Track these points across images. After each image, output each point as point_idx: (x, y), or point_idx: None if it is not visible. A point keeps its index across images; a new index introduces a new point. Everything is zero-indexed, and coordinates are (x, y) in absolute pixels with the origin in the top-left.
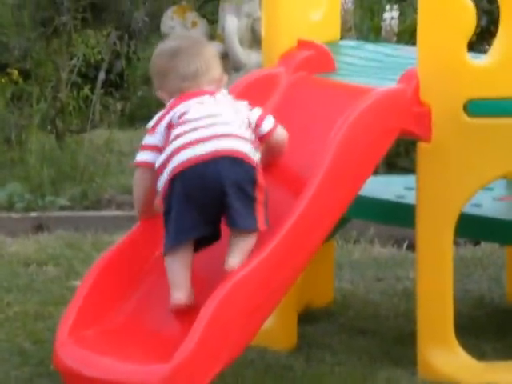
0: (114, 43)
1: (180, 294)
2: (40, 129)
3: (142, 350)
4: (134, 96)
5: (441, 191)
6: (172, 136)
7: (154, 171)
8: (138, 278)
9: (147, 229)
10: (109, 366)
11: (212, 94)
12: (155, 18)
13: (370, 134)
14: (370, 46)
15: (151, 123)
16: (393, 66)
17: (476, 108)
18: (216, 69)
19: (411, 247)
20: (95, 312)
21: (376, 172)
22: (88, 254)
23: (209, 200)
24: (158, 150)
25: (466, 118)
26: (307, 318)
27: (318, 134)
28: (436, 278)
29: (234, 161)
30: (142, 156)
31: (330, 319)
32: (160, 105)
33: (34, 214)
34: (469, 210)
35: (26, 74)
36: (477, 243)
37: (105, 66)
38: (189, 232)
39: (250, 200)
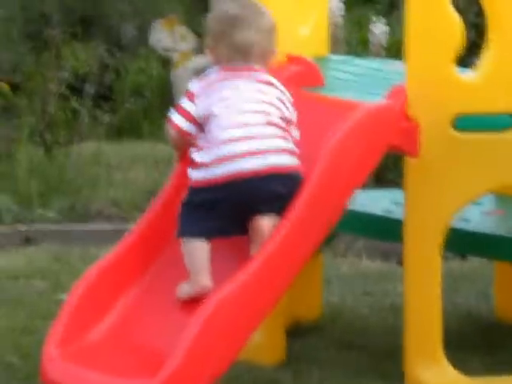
0: (103, 56)
1: (206, 280)
2: (28, 141)
3: (130, 364)
4: (122, 108)
5: (429, 206)
6: (214, 122)
7: (189, 138)
8: (125, 291)
9: (135, 242)
10: (96, 381)
11: (258, 76)
12: (144, 30)
13: (359, 149)
14: (359, 61)
15: (194, 87)
16: (381, 80)
17: (464, 123)
18: (269, 43)
19: (399, 261)
20: (82, 326)
21: (364, 186)
22: (75, 268)
23: (248, 210)
24: (195, 121)
25: (453, 133)
26: (295, 332)
27: (307, 148)
28: (424, 292)
29: (280, 178)
30: (180, 121)
31: (317, 333)
32: (148, 117)
33: (21, 227)
34: (457, 224)
35: (14, 87)
36: (465, 257)
37: (93, 78)
38: (215, 232)
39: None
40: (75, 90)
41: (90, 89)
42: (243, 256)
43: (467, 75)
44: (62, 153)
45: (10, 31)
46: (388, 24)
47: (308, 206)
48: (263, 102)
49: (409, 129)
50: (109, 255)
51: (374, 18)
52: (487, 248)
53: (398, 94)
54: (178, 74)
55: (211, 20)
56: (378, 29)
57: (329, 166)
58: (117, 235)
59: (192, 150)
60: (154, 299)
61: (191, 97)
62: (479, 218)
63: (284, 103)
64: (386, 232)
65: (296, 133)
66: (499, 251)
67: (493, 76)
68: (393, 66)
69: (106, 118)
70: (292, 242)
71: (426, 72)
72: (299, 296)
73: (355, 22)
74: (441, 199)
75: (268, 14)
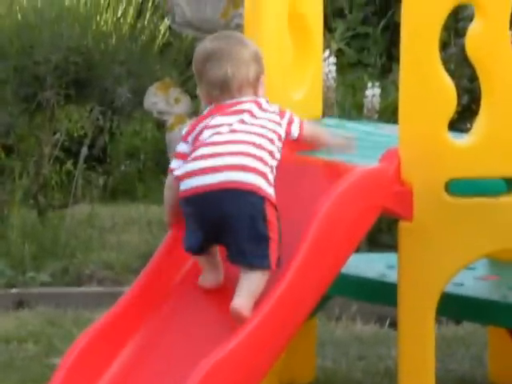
0: (97, 118)
1: (215, 276)
2: (22, 204)
3: None
4: (116, 171)
5: (423, 270)
6: (192, 153)
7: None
8: (119, 353)
9: (128, 307)
10: None
11: (239, 111)
12: (138, 93)
13: (352, 212)
14: (352, 124)
15: (184, 130)
16: (374, 144)
17: (457, 187)
18: (250, 70)
19: (393, 325)
20: None
21: (358, 248)
22: (68, 331)
23: (211, 228)
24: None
25: (447, 198)
26: None
27: (301, 211)
28: (418, 356)
29: (239, 193)
30: (173, 163)
31: None
32: (142, 179)
33: (14, 290)
34: (451, 288)
35: (8, 149)
36: (459, 322)
37: (87, 141)
38: (196, 249)
39: (260, 236)
40: (69, 152)
41: (84, 151)
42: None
43: (460, 139)
44: (56, 215)
45: (3, 93)
46: (381, 87)
47: (302, 269)
48: (248, 132)
49: (402, 192)
50: (102, 318)
51: (368, 82)
52: (481, 313)
53: (392, 157)
54: (172, 136)
55: (193, 59)
56: (372, 92)
57: (323, 228)
58: (110, 298)
59: (173, 166)
60: (151, 356)
61: (182, 138)
62: (473, 282)
63: (272, 129)
64: (380, 296)
65: (295, 127)
66: (493, 316)
67: (486, 141)
68: (386, 129)
69: (101, 180)
70: (286, 304)
71: (420, 136)
72: (293, 359)
73: (348, 85)
74: (435, 263)
75: (249, 44)
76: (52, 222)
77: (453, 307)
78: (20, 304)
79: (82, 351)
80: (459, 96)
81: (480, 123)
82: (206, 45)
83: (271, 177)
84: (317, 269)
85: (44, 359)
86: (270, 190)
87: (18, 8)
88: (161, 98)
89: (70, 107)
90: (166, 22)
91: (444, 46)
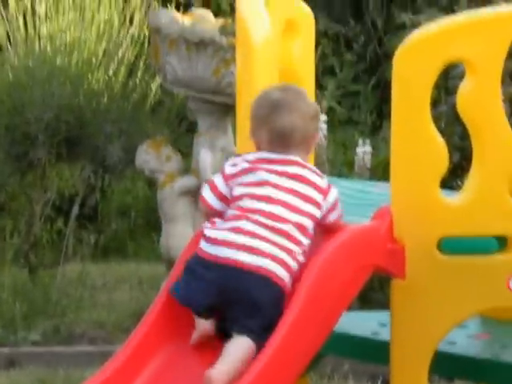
0: (89, 177)
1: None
2: (13, 263)
3: None
4: (107, 229)
5: (415, 328)
6: (235, 211)
7: (215, 214)
8: None
9: (121, 366)
10: None
11: (292, 172)
12: (130, 151)
13: (345, 270)
14: (344, 182)
15: (229, 170)
16: (366, 202)
17: (449, 245)
18: (311, 128)
19: (386, 383)
20: None
21: (350, 307)
22: None
23: (229, 308)
24: (225, 199)
25: (439, 256)
26: None
27: None
28: None
29: (265, 282)
30: (210, 199)
31: None
32: (133, 237)
33: (5, 350)
34: (443, 347)
35: None
36: (451, 380)
37: (79, 199)
38: (195, 306)
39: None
40: (60, 210)
41: (75, 209)
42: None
43: (452, 197)
44: (47, 274)
45: None
46: (372, 145)
47: (295, 327)
48: (285, 204)
49: (395, 250)
50: (93, 378)
51: (359, 139)
52: (473, 372)
53: (384, 215)
54: (163, 194)
55: (254, 104)
56: (362, 149)
57: (315, 287)
58: (101, 357)
59: (206, 224)
60: None
61: (225, 177)
62: (465, 341)
63: (315, 203)
64: (372, 354)
65: (334, 215)
66: (485, 375)
67: (478, 199)
68: (377, 187)
69: (92, 238)
70: (278, 363)
71: (411, 194)
72: None
73: (339, 142)
74: (428, 321)
75: (310, 100)
76: (43, 281)
77: (445, 365)
78: (11, 363)
79: None
80: (451, 154)
81: (471, 181)
82: (273, 93)
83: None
84: (309, 327)
85: None
86: (289, 284)
87: (9, 67)
88: (152, 156)
89: (61, 166)
90: (158, 80)
91: (435, 103)
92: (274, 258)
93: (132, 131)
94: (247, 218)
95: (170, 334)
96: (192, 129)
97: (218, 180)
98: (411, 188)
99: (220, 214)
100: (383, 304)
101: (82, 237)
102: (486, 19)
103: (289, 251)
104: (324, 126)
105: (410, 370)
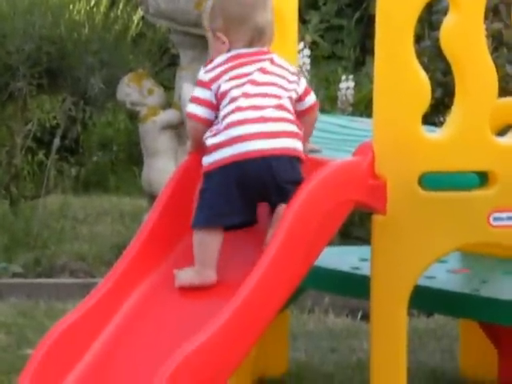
0: (70, 109)
1: (212, 272)
2: None
3: None
4: (89, 162)
5: (395, 263)
6: (230, 105)
7: (206, 125)
8: (90, 347)
9: (101, 299)
10: None
11: (270, 59)
12: (111, 84)
13: (326, 206)
14: (326, 118)
15: (207, 76)
16: (348, 138)
17: (430, 181)
18: (274, 23)
19: (365, 317)
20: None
21: (331, 242)
22: (40, 323)
23: (259, 192)
24: (211, 105)
25: (420, 191)
26: None
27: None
28: (390, 349)
29: (291, 160)
30: (196, 109)
31: None
32: (115, 171)
33: None
34: (422, 281)
35: None
36: (430, 315)
37: (60, 131)
38: (227, 218)
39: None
40: (42, 142)
41: (56, 142)
42: (252, 245)
43: (434, 133)
44: (28, 206)
45: None
46: (355, 80)
47: (275, 261)
48: (274, 84)
49: (376, 186)
50: (75, 310)
51: (342, 75)
52: (453, 306)
53: (365, 151)
54: (145, 128)
55: (226, 4)
56: (346, 85)
57: (296, 221)
58: (83, 289)
59: (206, 135)
60: (123, 348)
61: (204, 85)
62: (445, 275)
63: (294, 82)
64: (352, 288)
65: (312, 98)
66: (464, 310)
67: (459, 135)
68: (360, 123)
69: (73, 171)
70: (259, 297)
71: (393, 130)
72: (266, 352)
73: (322, 78)
74: (408, 257)
75: None
76: (24, 213)
77: (425, 300)
78: None
79: (55, 343)
80: (433, 90)
81: (453, 117)
82: None
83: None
84: (290, 261)
85: (16, 350)
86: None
87: None
88: (134, 89)
89: (42, 97)
90: (140, 12)
91: (418, 39)
92: (290, 134)
93: (113, 63)
94: (252, 107)
95: (150, 269)
96: (174, 62)
97: (199, 91)
98: (393, 124)
99: (210, 125)
100: (364, 239)
101: (64, 169)
102: None
103: (293, 122)
104: (307, 61)
105: (390, 304)
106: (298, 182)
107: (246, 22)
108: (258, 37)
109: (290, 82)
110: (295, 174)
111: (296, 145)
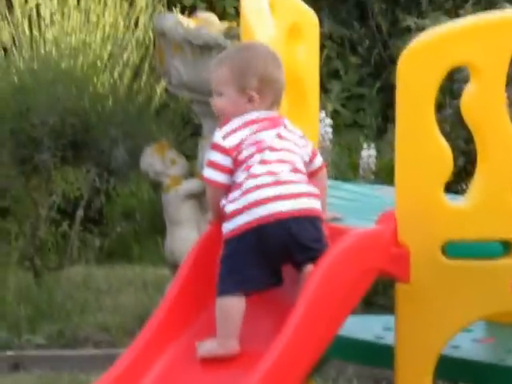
0: (94, 180)
1: (235, 343)
2: (18, 266)
3: None
4: (112, 232)
5: (420, 333)
6: (248, 171)
7: (225, 191)
8: None
9: (125, 369)
10: None
11: (284, 124)
12: (135, 155)
13: (350, 274)
14: (348, 186)
15: (227, 142)
16: (371, 206)
17: (454, 249)
18: None
19: None
20: None
21: (354, 310)
22: None
23: (281, 255)
24: (230, 171)
25: (443, 260)
26: None
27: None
28: None
29: (311, 220)
30: (216, 176)
31: None
32: (138, 240)
33: (10, 353)
34: (448, 351)
35: (4, 211)
36: None
37: (83, 202)
38: (254, 284)
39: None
40: (65, 213)
41: (80, 212)
42: (274, 313)
43: (456, 201)
44: (52, 277)
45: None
46: (377, 148)
47: (299, 331)
48: (288, 150)
49: (399, 254)
50: (98, 382)
51: (364, 143)
52: (478, 376)
53: (388, 219)
54: (168, 198)
55: (259, 61)
56: (367, 153)
57: (320, 290)
58: (106, 361)
59: (223, 202)
60: None
61: (225, 152)
62: (470, 345)
63: (303, 146)
64: (376, 358)
65: (319, 159)
66: (490, 379)
67: (482, 203)
68: (382, 191)
69: (97, 241)
70: (283, 367)
71: (416, 198)
72: None
73: (344, 146)
74: (432, 326)
75: None
76: (48, 284)
77: (450, 370)
78: (16, 367)
79: None
80: (455, 158)
81: (476, 185)
82: (268, 49)
83: None
84: (314, 331)
85: None
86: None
87: (14, 70)
88: (157, 160)
89: (66, 169)
90: (163, 83)
91: (439, 107)
92: (308, 195)
93: (137, 134)
94: (268, 173)
95: (173, 339)
96: (197, 132)
97: (218, 156)
98: (416, 192)
99: (228, 190)
100: (387, 308)
101: (87, 240)
102: (491, 23)
103: (308, 183)
104: (329, 130)
105: (415, 374)
106: (321, 240)
107: (278, 83)
108: (280, 98)
109: (300, 146)
110: (317, 232)
111: (315, 204)
